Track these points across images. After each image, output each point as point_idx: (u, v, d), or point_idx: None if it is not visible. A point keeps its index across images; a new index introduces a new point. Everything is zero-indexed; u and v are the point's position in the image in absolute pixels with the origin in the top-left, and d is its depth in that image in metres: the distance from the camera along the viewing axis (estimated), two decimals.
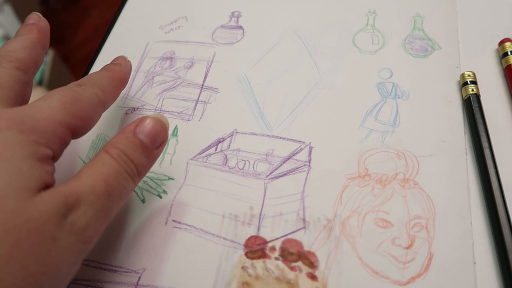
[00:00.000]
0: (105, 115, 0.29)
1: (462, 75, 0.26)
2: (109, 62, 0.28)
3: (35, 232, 0.17)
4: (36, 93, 0.64)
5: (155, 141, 0.22)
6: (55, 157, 0.20)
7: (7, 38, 0.77)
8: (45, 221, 0.17)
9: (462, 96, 0.26)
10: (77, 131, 0.21)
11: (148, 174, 0.27)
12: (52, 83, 0.78)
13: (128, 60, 0.27)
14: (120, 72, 0.26)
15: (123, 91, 0.31)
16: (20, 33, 0.25)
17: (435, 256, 0.22)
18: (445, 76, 0.27)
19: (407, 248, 0.22)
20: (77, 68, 0.96)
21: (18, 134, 0.18)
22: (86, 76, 0.24)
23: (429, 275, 0.21)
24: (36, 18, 0.26)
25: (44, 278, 0.17)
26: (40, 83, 0.75)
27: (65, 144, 0.21)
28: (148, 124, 0.22)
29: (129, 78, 0.27)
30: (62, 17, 1.09)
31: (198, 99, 0.30)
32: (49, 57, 0.81)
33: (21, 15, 0.80)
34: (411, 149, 0.25)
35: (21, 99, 0.22)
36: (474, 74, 0.26)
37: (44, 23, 0.26)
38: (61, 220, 0.18)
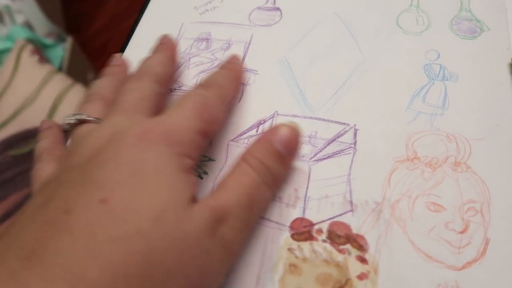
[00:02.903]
0: None
1: None
2: (147, 43, 0.29)
3: (194, 245, 0.18)
4: (57, 79, 0.63)
5: (290, 150, 0.22)
6: (193, 168, 0.21)
7: (28, 25, 0.77)
8: (200, 235, 0.18)
9: None
10: (208, 136, 0.22)
11: None
12: (71, 70, 0.77)
13: (239, 57, 0.28)
14: (238, 70, 0.27)
15: None
16: (156, 50, 0.28)
17: (492, 241, 0.21)
18: (495, 58, 0.26)
19: (462, 232, 0.22)
20: (94, 56, 0.96)
21: (166, 147, 0.19)
22: (208, 77, 0.25)
23: (485, 260, 0.21)
24: (167, 38, 0.29)
25: (202, 286, 0.18)
26: (60, 69, 0.75)
27: (202, 150, 0.22)
28: (284, 134, 0.22)
29: (243, 74, 0.28)
30: (78, 6, 1.09)
31: None
32: (68, 44, 0.81)
33: (42, 2, 0.80)
34: (462, 132, 0.24)
35: (158, 108, 0.24)
36: None
37: (174, 42, 0.29)
38: (213, 233, 0.18)
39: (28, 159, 0.57)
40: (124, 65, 0.29)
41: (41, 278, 0.15)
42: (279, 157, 0.22)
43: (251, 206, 0.20)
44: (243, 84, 0.28)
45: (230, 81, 0.25)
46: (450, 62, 0.27)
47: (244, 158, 0.21)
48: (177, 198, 0.18)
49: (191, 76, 0.30)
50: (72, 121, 0.24)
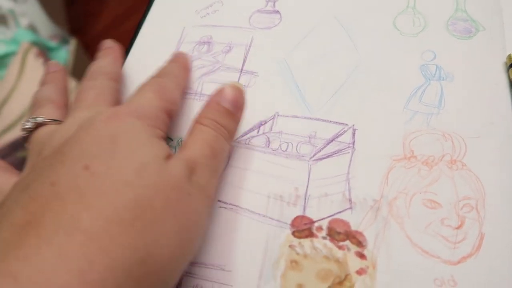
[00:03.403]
0: None
1: (509, 56, 0.26)
2: (149, 46, 0.32)
3: (177, 189, 0.20)
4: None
5: (237, 106, 0.25)
6: (163, 138, 0.23)
7: (33, 28, 0.78)
8: (180, 181, 0.20)
9: (509, 78, 0.26)
10: (172, 114, 0.25)
11: None
12: (76, 71, 0.78)
13: (185, 53, 0.31)
14: (185, 61, 0.30)
15: None
16: (101, 54, 0.30)
17: (487, 237, 0.22)
18: (490, 58, 0.27)
19: (457, 228, 0.22)
20: None
21: (137, 120, 0.22)
22: (161, 69, 0.28)
23: (480, 255, 0.21)
24: (110, 43, 0.31)
25: (192, 227, 0.20)
26: None
27: (167, 126, 0.25)
28: (228, 93, 0.25)
29: (191, 66, 0.31)
30: (82, 7, 1.10)
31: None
32: (71, 46, 0.82)
33: (45, 4, 0.81)
34: (457, 131, 0.25)
35: (117, 103, 0.27)
36: None
37: (116, 46, 0.31)
38: (189, 179, 0.21)
39: None
40: (60, 71, 0.30)
41: (37, 236, 0.17)
42: (228, 113, 0.25)
43: (215, 156, 0.23)
44: (190, 72, 0.31)
45: (181, 70, 0.29)
46: (446, 62, 0.27)
47: (198, 121, 0.24)
48: (155, 154, 0.21)
49: (194, 79, 0.30)
50: (29, 126, 0.25)
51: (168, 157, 0.21)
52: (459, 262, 0.21)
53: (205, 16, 0.34)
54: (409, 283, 0.21)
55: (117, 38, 0.33)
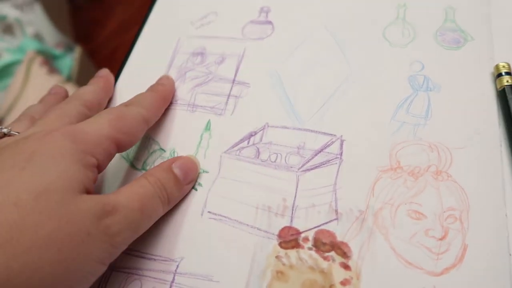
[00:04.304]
0: None
1: (497, 66, 0.26)
2: (145, 58, 0.32)
3: (73, 224, 0.20)
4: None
5: (187, 177, 0.26)
6: (100, 166, 0.23)
7: (38, 36, 0.80)
8: (83, 217, 0.20)
9: (497, 88, 0.26)
10: (121, 145, 0.25)
11: None
12: (80, 79, 0.80)
13: (171, 78, 0.31)
14: (164, 92, 0.30)
15: None
16: (91, 82, 0.31)
17: (470, 248, 0.22)
18: (478, 68, 0.27)
19: (441, 239, 0.22)
20: (103, 64, 0.98)
21: (70, 143, 0.22)
22: (133, 97, 0.28)
23: (463, 266, 0.22)
24: (104, 73, 0.32)
25: (74, 264, 0.19)
26: (69, 79, 0.78)
27: (110, 155, 0.24)
28: (184, 162, 0.26)
29: (172, 95, 0.31)
30: (87, 14, 1.12)
31: (229, 94, 0.30)
32: (76, 54, 0.83)
33: (51, 13, 0.82)
34: (443, 141, 0.25)
35: None
36: (509, 65, 0.26)
37: (110, 76, 0.32)
38: (97, 221, 0.20)
39: None
40: (61, 93, 0.31)
41: None
42: (175, 179, 0.25)
43: (142, 212, 0.22)
44: (171, 103, 0.31)
45: (153, 102, 0.28)
46: (434, 73, 0.27)
47: (144, 175, 0.24)
48: (67, 184, 0.20)
49: (187, 90, 0.31)
50: None
51: (86, 190, 0.21)
52: (441, 273, 0.22)
53: (199, 28, 0.34)
54: None
55: (122, 45, 0.34)
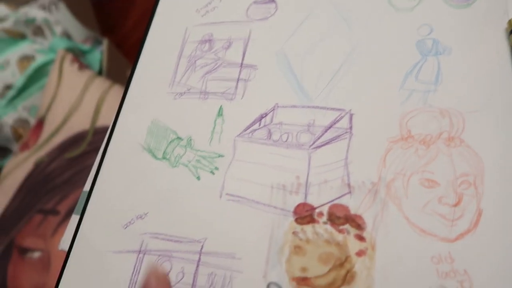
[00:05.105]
0: (155, 102, 0.32)
1: (510, 22, 0.25)
2: (156, 50, 0.32)
3: None
4: (97, 83, 0.69)
5: None
6: None
7: (66, 34, 0.83)
8: None
9: (510, 45, 0.25)
10: None
11: (200, 154, 0.29)
12: (111, 71, 0.83)
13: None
14: None
15: (170, 77, 0.33)
16: None
17: (485, 212, 0.22)
18: (490, 25, 0.26)
19: (455, 205, 0.22)
20: (131, 53, 1.01)
21: None
22: None
23: (478, 231, 0.22)
24: None
25: None
26: (100, 72, 0.81)
27: None
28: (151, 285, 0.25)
29: None
30: (110, 6, 1.14)
31: (239, 78, 0.31)
32: (104, 46, 0.86)
33: (75, 10, 0.85)
34: (455, 106, 0.24)
35: None
36: None
37: None
38: None
39: (81, 160, 0.63)
40: None
41: None
42: None
43: None
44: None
45: None
46: (443, 35, 0.26)
47: None
48: None
49: (198, 78, 0.32)
50: None
51: None
52: (456, 239, 0.22)
53: (205, 15, 0.35)
54: (407, 262, 0.22)
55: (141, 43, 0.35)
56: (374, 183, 0.24)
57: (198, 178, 0.28)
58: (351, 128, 0.26)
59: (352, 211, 0.24)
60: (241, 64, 0.31)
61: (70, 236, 0.30)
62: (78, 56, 0.79)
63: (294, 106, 0.28)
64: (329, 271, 0.23)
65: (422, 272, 0.22)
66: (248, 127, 0.29)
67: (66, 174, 0.62)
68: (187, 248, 0.26)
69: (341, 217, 0.24)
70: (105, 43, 0.90)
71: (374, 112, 0.26)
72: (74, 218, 0.31)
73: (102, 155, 0.32)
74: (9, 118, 0.74)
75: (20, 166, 0.64)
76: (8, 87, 0.75)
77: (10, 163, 0.66)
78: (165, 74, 0.33)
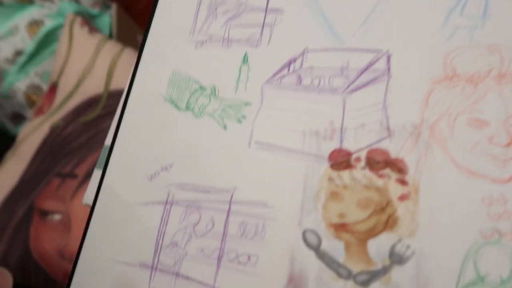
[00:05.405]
0: (176, 52, 0.30)
1: None
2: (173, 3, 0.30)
3: None
4: (109, 46, 0.67)
5: None
6: None
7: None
8: None
9: None
10: None
11: (225, 102, 0.28)
12: (121, 35, 0.81)
13: None
14: None
15: (189, 26, 0.31)
16: None
17: None
18: None
19: (507, 145, 0.21)
20: (141, 16, 0.98)
21: None
22: None
23: None
24: None
25: None
26: (110, 36, 0.79)
27: None
28: None
29: None
30: None
31: (264, 23, 0.29)
32: (113, 11, 0.84)
33: None
34: (506, 42, 0.22)
35: None
36: None
37: None
38: None
39: (96, 123, 0.62)
40: None
41: None
42: None
43: None
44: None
45: None
46: None
47: None
48: None
49: (220, 25, 0.30)
50: None
51: None
52: (509, 179, 0.20)
53: None
54: (455, 204, 0.21)
55: None
56: (416, 126, 0.23)
57: (225, 127, 0.27)
58: (389, 69, 0.24)
59: (393, 155, 0.23)
60: (266, 8, 0.29)
61: (93, 190, 0.29)
62: (88, 20, 0.77)
63: (325, 49, 0.26)
64: (369, 216, 0.22)
65: (472, 215, 0.20)
66: (276, 74, 0.27)
67: (82, 137, 0.62)
68: (216, 198, 0.26)
69: (380, 162, 0.23)
70: (113, 7, 0.88)
71: (415, 51, 0.24)
72: (97, 173, 0.30)
73: (122, 109, 0.31)
74: (22, 84, 0.73)
75: (36, 131, 0.63)
76: (18, 53, 0.74)
77: (25, 128, 0.66)
78: (184, 23, 0.31)
